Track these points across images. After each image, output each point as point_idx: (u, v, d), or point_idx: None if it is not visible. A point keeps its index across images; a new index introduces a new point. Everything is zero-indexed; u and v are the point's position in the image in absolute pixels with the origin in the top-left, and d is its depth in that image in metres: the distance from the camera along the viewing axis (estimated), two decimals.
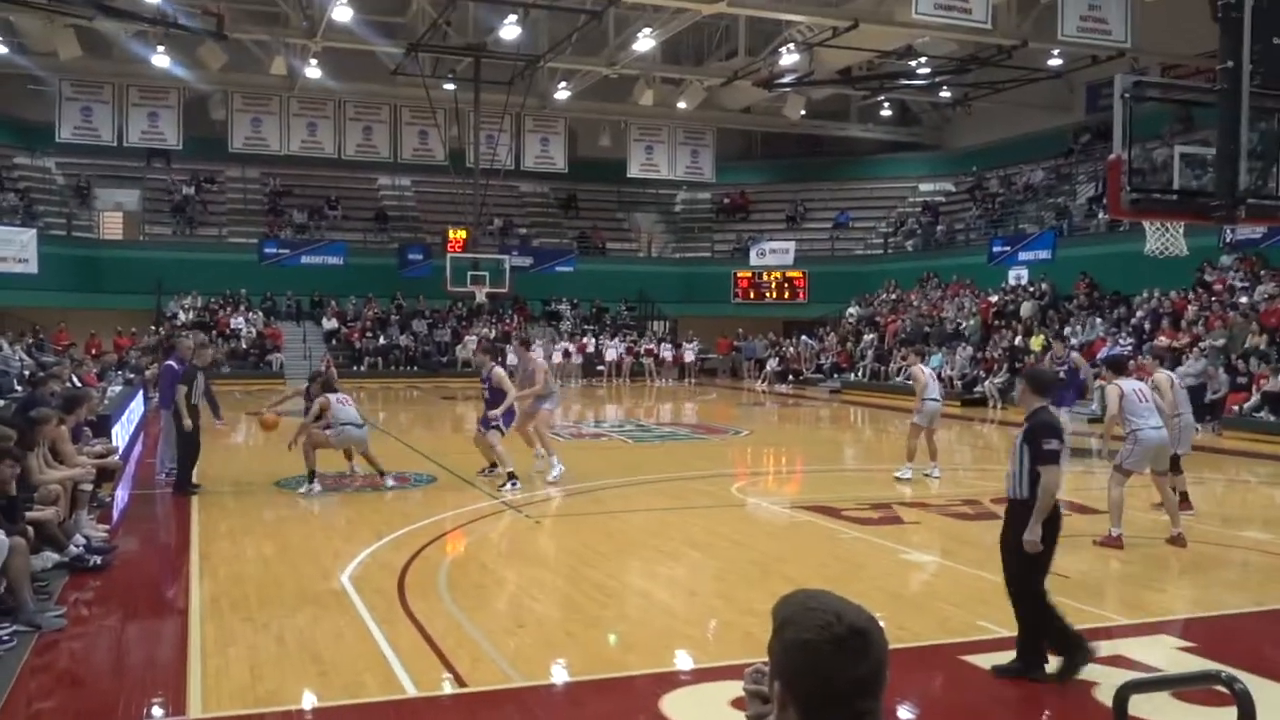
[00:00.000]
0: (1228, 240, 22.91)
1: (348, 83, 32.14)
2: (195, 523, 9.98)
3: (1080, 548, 8.99)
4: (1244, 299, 21.57)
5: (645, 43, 27.61)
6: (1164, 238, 8.69)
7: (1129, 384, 9.33)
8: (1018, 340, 25.88)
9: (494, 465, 12.51)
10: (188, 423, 11.35)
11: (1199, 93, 8.98)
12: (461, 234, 32.70)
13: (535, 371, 12.70)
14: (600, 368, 32.66)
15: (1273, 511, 12.26)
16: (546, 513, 10.80)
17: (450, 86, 32.19)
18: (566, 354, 32.18)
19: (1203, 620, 7.08)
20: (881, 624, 1.84)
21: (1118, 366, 9.75)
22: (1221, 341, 20.07)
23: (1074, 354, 16.01)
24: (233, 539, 9.35)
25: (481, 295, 32.13)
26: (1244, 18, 7.69)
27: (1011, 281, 29.73)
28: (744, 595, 7.59)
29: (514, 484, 11.70)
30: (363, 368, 31.88)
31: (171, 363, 12.56)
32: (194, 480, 11.58)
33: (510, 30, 26.88)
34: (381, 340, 33.00)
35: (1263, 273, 22.29)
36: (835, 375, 31.09)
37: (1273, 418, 17.63)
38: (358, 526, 9.91)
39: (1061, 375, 13.99)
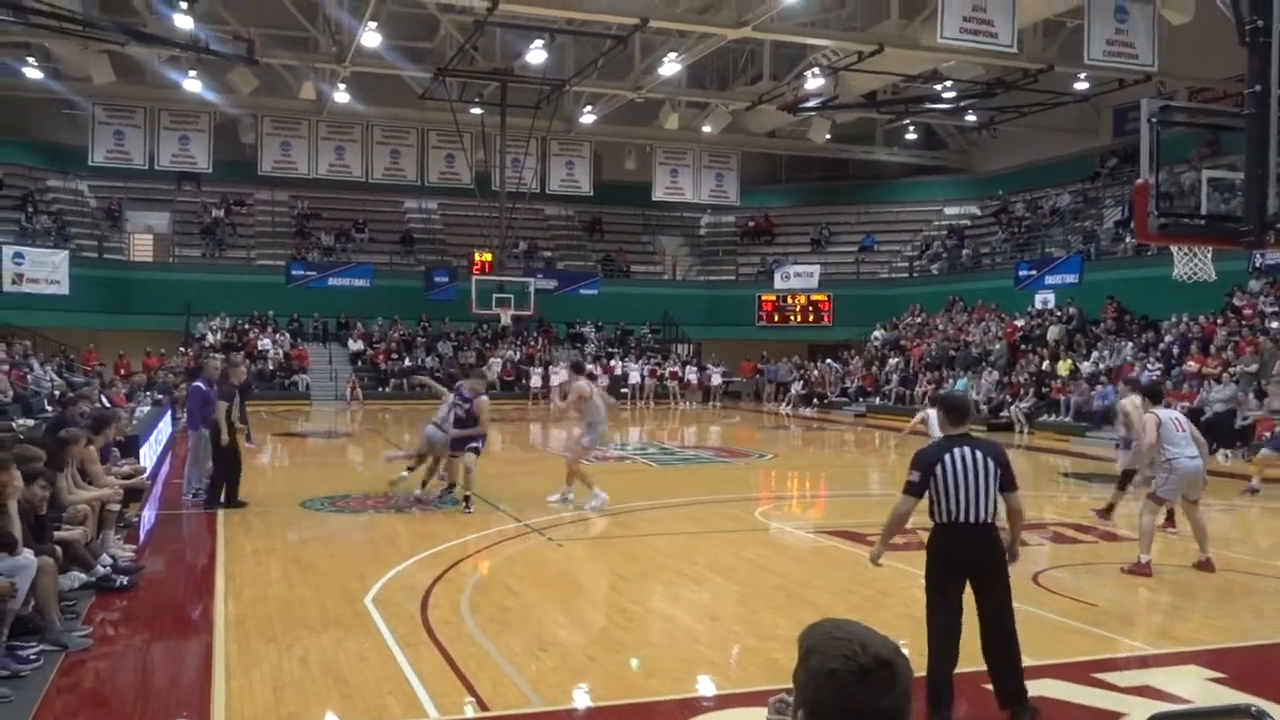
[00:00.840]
0: (1257, 265, 22.72)
1: (375, 107, 32.46)
2: (221, 543, 10.04)
3: (1108, 575, 8.92)
4: (1274, 324, 21.34)
5: (670, 67, 27.77)
6: (1192, 263, 8.63)
7: (1166, 413, 9.31)
8: (1045, 365, 25.71)
9: (453, 485, 12.48)
10: (225, 438, 11.70)
11: (1227, 117, 8.94)
12: (487, 256, 32.91)
13: (579, 399, 12.48)
14: (624, 390, 32.64)
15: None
16: (570, 536, 10.79)
17: (477, 110, 32.48)
18: (591, 376, 32.16)
19: (1233, 650, 6.98)
20: (906, 654, 1.83)
21: (1155, 395, 9.73)
22: (1254, 367, 19.86)
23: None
24: (258, 559, 9.40)
25: (506, 318, 32.29)
26: (1272, 42, 7.66)
27: (1038, 305, 29.54)
28: (768, 621, 7.55)
29: (469, 507, 11.74)
30: (387, 389, 32.04)
31: (200, 384, 12.67)
32: (239, 497, 11.83)
33: (537, 55, 27.08)
34: (407, 362, 33.16)
35: None
36: (860, 399, 30.97)
37: None
38: (382, 548, 9.94)
39: None
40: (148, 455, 13.39)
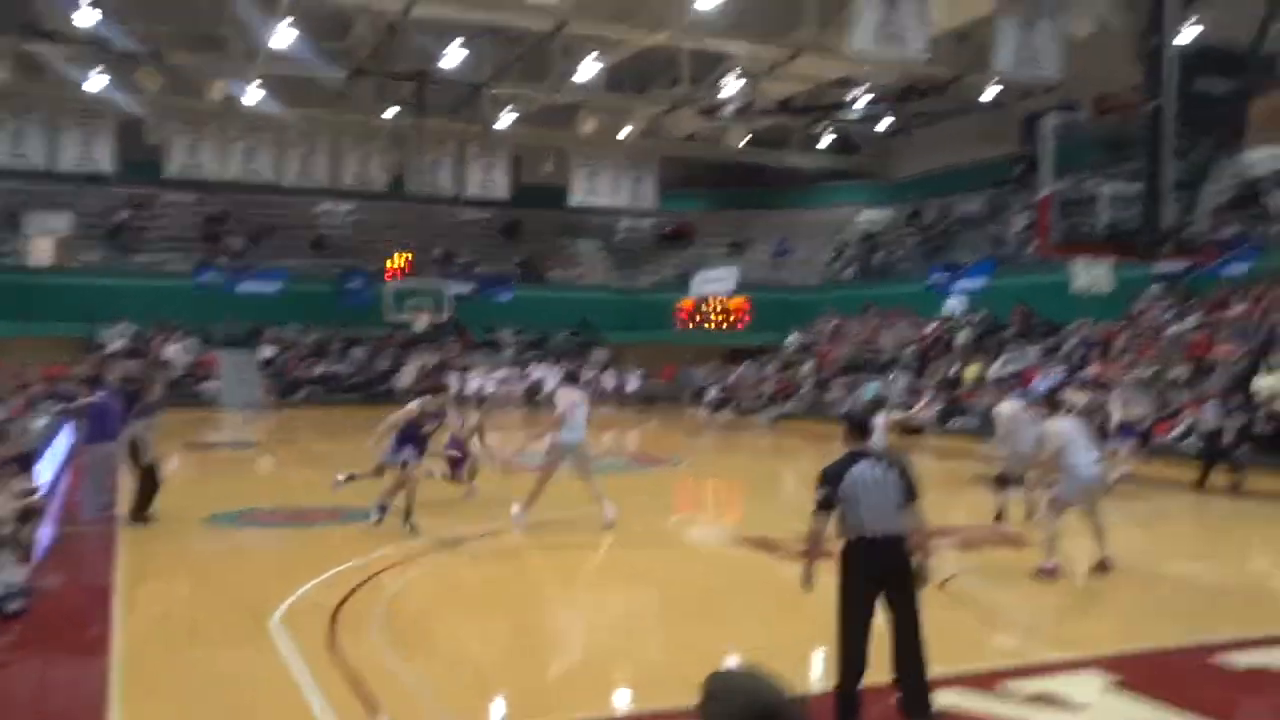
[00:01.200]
0: (1158, 272, 23.42)
1: (288, 107, 31.80)
2: (121, 562, 9.71)
3: (1010, 582, 9.08)
4: (1172, 329, 22.04)
5: (589, 71, 27.72)
6: (1091, 273, 8.86)
7: (1067, 423, 9.57)
8: (954, 369, 26.20)
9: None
10: (147, 457, 11.60)
11: (1125, 132, 9.18)
12: (402, 261, 32.50)
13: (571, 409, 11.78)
14: (539, 397, 32.47)
15: (1198, 543, 12.47)
16: (483, 550, 10.67)
17: (393, 112, 32.05)
18: (507, 381, 31.99)
19: (1132, 655, 7.15)
20: (800, 702, 1.83)
21: (1056, 405, 10.07)
22: (1150, 372, 20.46)
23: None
24: (160, 579, 9.13)
25: (421, 323, 31.91)
26: (1167, 62, 7.88)
27: (949, 310, 30.13)
28: (682, 633, 7.55)
29: (380, 517, 11.41)
30: (299, 396, 31.47)
31: (101, 395, 12.24)
32: (148, 514, 11.51)
33: (454, 57, 26.82)
34: (320, 368, 32.61)
35: (1189, 303, 22.80)
36: (776, 403, 31.24)
37: (1200, 445, 17.95)
38: (291, 564, 9.72)
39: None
40: (44, 471, 12.91)
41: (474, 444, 14.25)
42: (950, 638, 7.41)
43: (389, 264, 33.54)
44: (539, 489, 11.57)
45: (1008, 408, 11.05)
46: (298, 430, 25.67)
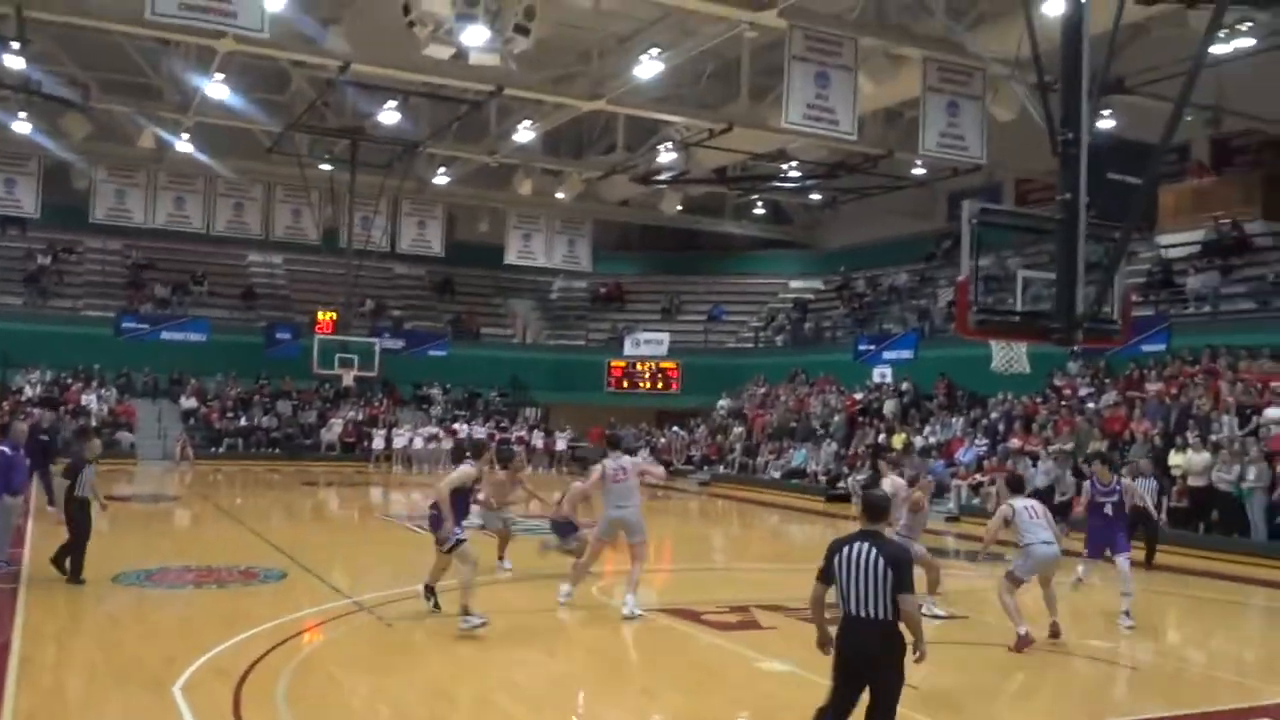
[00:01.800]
0: (1076, 349, 24.05)
1: (220, 158, 31.54)
2: (19, 624, 9.35)
3: (936, 656, 9.11)
4: (1090, 405, 22.59)
5: (525, 134, 27.93)
6: (1008, 354, 9.09)
7: (1020, 502, 10.05)
8: (880, 437, 26.53)
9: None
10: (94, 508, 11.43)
11: (1041, 220, 9.47)
12: (331, 315, 32.21)
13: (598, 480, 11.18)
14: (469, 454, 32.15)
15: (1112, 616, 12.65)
16: (403, 615, 10.45)
17: (326, 166, 31.94)
18: (435, 438, 31.63)
19: None
20: None
21: (1016, 485, 10.65)
22: (1069, 446, 20.92)
23: (1125, 480, 12.54)
24: (59, 642, 8.80)
25: (349, 378, 31.55)
26: (1080, 154, 8.18)
27: (876, 379, 30.57)
28: (594, 707, 7.46)
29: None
30: (221, 449, 30.83)
31: (4, 447, 11.80)
32: (66, 568, 11.12)
33: (390, 115, 26.86)
34: (243, 421, 32.00)
35: (1107, 380, 23.43)
36: (705, 467, 31.32)
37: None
38: (198, 628, 9.43)
39: (1108, 509, 11.47)
40: None
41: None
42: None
43: (319, 317, 33.15)
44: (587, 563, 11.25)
45: (888, 483, 11.07)
46: (217, 484, 25.09)
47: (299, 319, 34.72)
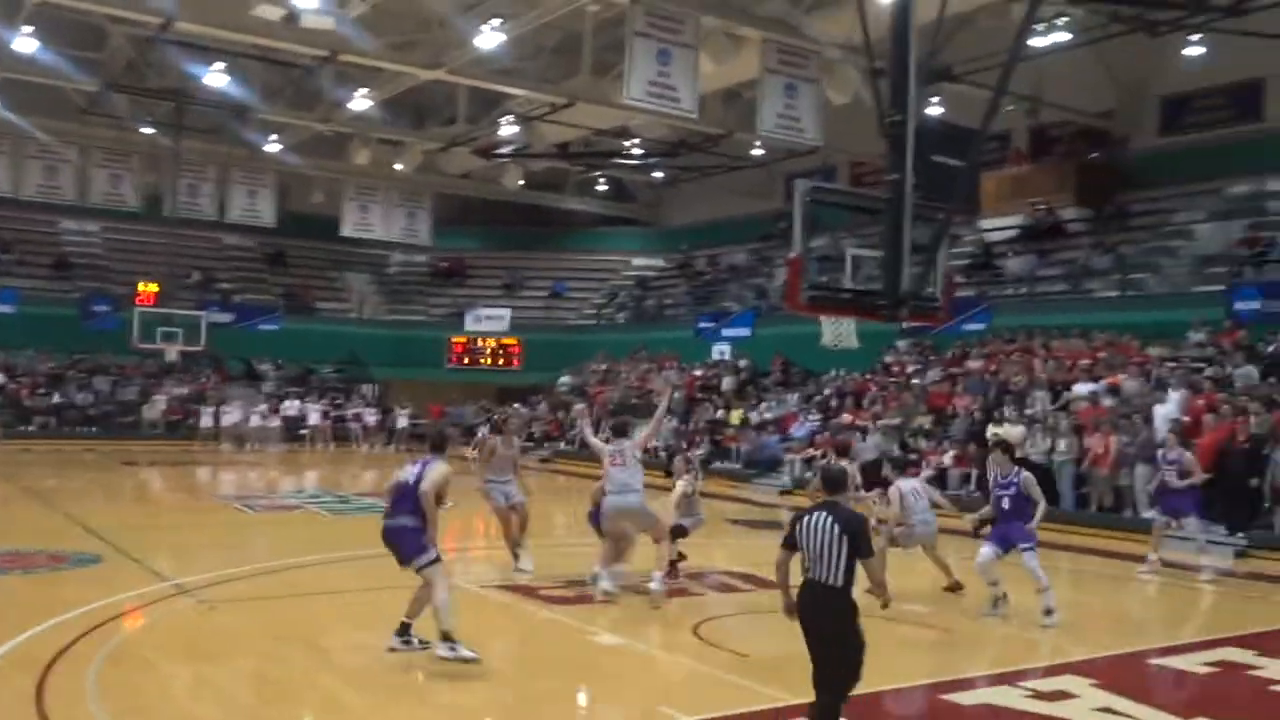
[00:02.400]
0: (904, 326, 24.97)
1: (29, 117, 29.54)
2: None
3: (764, 624, 9.31)
4: (916, 381, 23.51)
5: (362, 102, 27.15)
6: (837, 330, 9.34)
7: (907, 484, 11.16)
8: (718, 413, 27.00)
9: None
10: None
11: (871, 200, 9.74)
12: (153, 287, 30.72)
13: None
14: (303, 432, 31.26)
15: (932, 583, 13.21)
16: (225, 597, 10.05)
17: (149, 130, 30.34)
18: (263, 416, 30.56)
19: (867, 696, 7.44)
20: None
21: (900, 465, 11.71)
22: (897, 420, 21.72)
23: (1186, 454, 13.05)
24: None
25: (173, 353, 30.15)
26: (907, 136, 8.43)
27: (715, 356, 31.08)
28: (426, 686, 7.34)
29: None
30: (32, 427, 29.04)
31: None
32: None
33: (217, 78, 25.67)
34: (56, 398, 30.21)
35: (932, 357, 24.42)
36: (546, 444, 31.25)
37: (939, 491, 19.17)
38: (3, 614, 8.84)
39: (1182, 483, 12.66)
40: None
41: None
42: (701, 682, 7.55)
43: (140, 288, 31.56)
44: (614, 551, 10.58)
45: (906, 485, 11.34)
46: (26, 465, 23.61)
47: (118, 290, 32.98)
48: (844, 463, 11.13)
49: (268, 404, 31.42)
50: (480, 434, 11.19)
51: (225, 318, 33.49)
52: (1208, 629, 10.56)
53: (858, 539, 5.84)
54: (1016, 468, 10.55)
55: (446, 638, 7.57)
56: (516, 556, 11.77)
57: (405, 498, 7.92)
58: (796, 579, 6.03)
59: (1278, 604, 11.97)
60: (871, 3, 12.45)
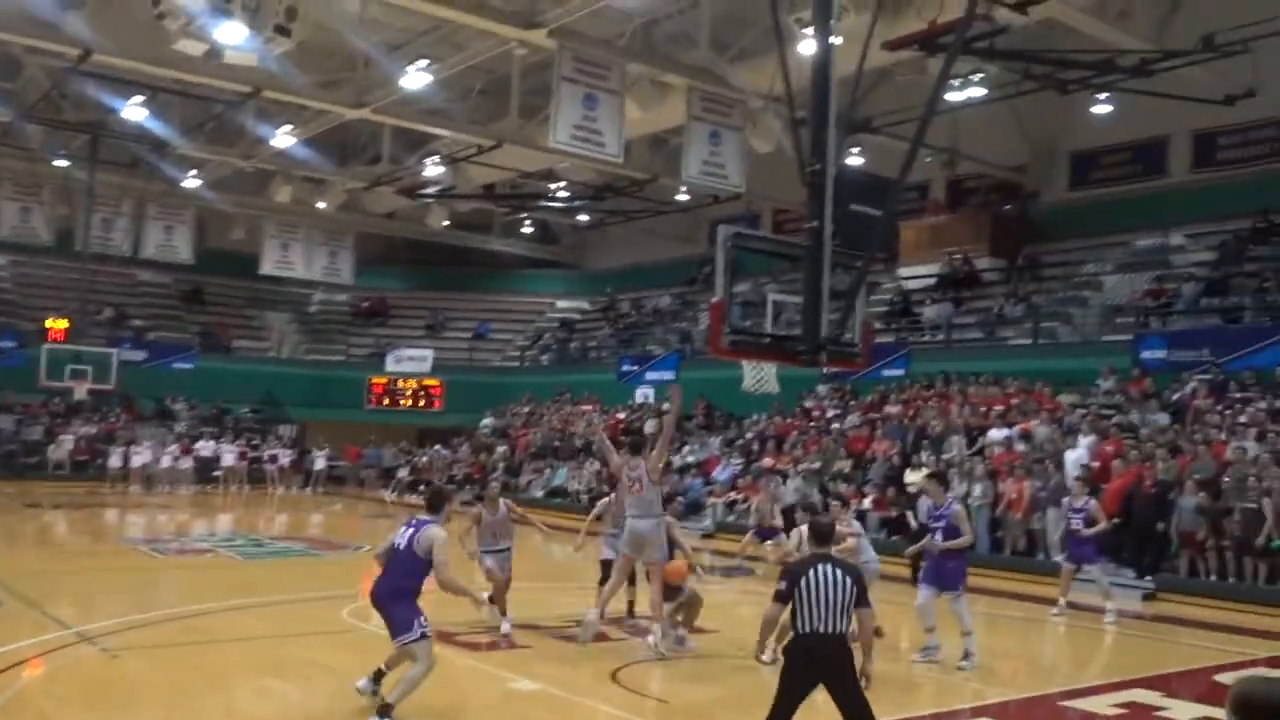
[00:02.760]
0: (825, 371, 25.30)
1: None
2: None
3: (681, 669, 9.28)
4: (836, 425, 23.78)
5: (286, 139, 26.87)
6: (758, 374, 9.42)
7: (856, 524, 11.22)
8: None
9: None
10: None
11: (792, 247, 9.89)
12: (63, 323, 29.88)
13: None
14: (216, 474, 30.51)
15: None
16: (130, 645, 9.72)
17: (63, 162, 29.66)
18: (174, 457, 29.78)
19: None
20: None
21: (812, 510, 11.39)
22: (817, 465, 21.92)
23: (1092, 501, 13.32)
24: None
25: (82, 391, 29.28)
26: (826, 184, 8.59)
27: (638, 399, 31.13)
28: None
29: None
30: None
31: None
32: None
33: (135, 111, 25.22)
34: None
35: (852, 402, 24.75)
36: (467, 487, 30.87)
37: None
38: None
39: (1088, 531, 12.95)
40: None
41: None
42: None
43: (49, 325, 30.66)
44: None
45: (857, 527, 11.48)
46: None
47: (25, 326, 32.01)
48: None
49: (180, 445, 30.65)
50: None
51: (138, 355, 32.69)
52: (1117, 671, 10.77)
53: (863, 589, 6.06)
54: (950, 498, 10.63)
55: (385, 712, 7.17)
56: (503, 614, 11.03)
57: (395, 563, 7.56)
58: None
59: (1185, 645, 12.27)
60: (793, 54, 12.70)
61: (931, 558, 10.35)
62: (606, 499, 11.92)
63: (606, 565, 11.19)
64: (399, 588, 7.47)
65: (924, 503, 10.68)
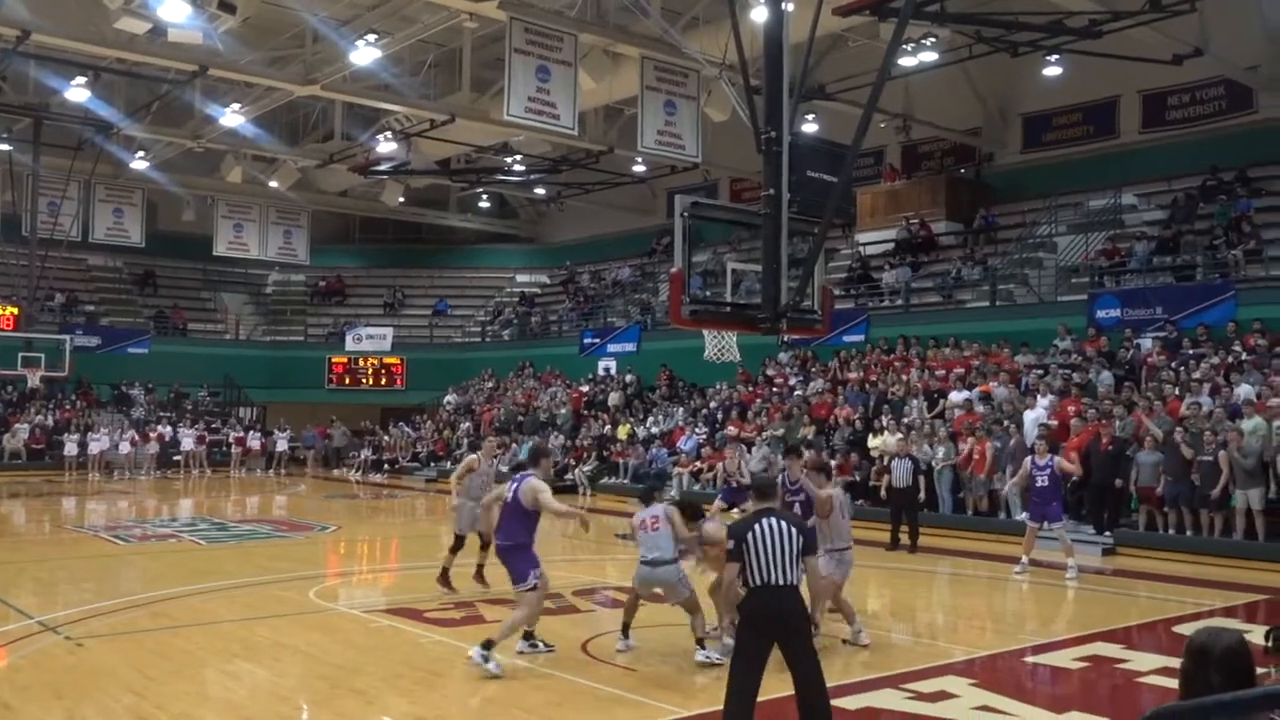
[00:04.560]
0: (785, 340, 25.38)
1: None
2: None
3: (650, 640, 9.31)
4: (798, 392, 23.90)
5: (234, 118, 26.44)
6: (720, 343, 9.44)
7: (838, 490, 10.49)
8: (606, 429, 27.02)
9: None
10: None
11: (748, 215, 9.89)
12: (12, 310, 29.36)
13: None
14: (177, 458, 30.21)
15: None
16: (94, 633, 9.62)
17: (5, 146, 29.05)
18: (132, 443, 29.45)
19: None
20: None
21: (825, 470, 10.24)
22: (781, 431, 22.03)
23: (1056, 457, 13.62)
24: None
25: (35, 378, 28.83)
26: (782, 152, 8.59)
27: (600, 372, 31.12)
28: (312, 716, 7.13)
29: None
30: None
31: None
32: None
33: (79, 92, 24.71)
34: None
35: (814, 369, 24.88)
36: (432, 464, 30.82)
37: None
38: None
39: (1042, 483, 13.37)
40: None
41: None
42: (590, 701, 7.51)
43: None
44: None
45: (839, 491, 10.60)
46: None
47: None
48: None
49: (138, 430, 30.29)
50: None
51: (91, 341, 32.22)
52: (1079, 625, 10.97)
53: (808, 537, 6.16)
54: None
55: (488, 645, 8.03)
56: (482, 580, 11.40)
57: (509, 517, 8.38)
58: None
59: (1144, 598, 12.52)
60: (746, 22, 12.66)
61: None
62: (473, 456, 11.77)
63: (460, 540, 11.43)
64: (512, 539, 8.34)
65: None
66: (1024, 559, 13.57)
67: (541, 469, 8.58)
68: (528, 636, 8.77)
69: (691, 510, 9.26)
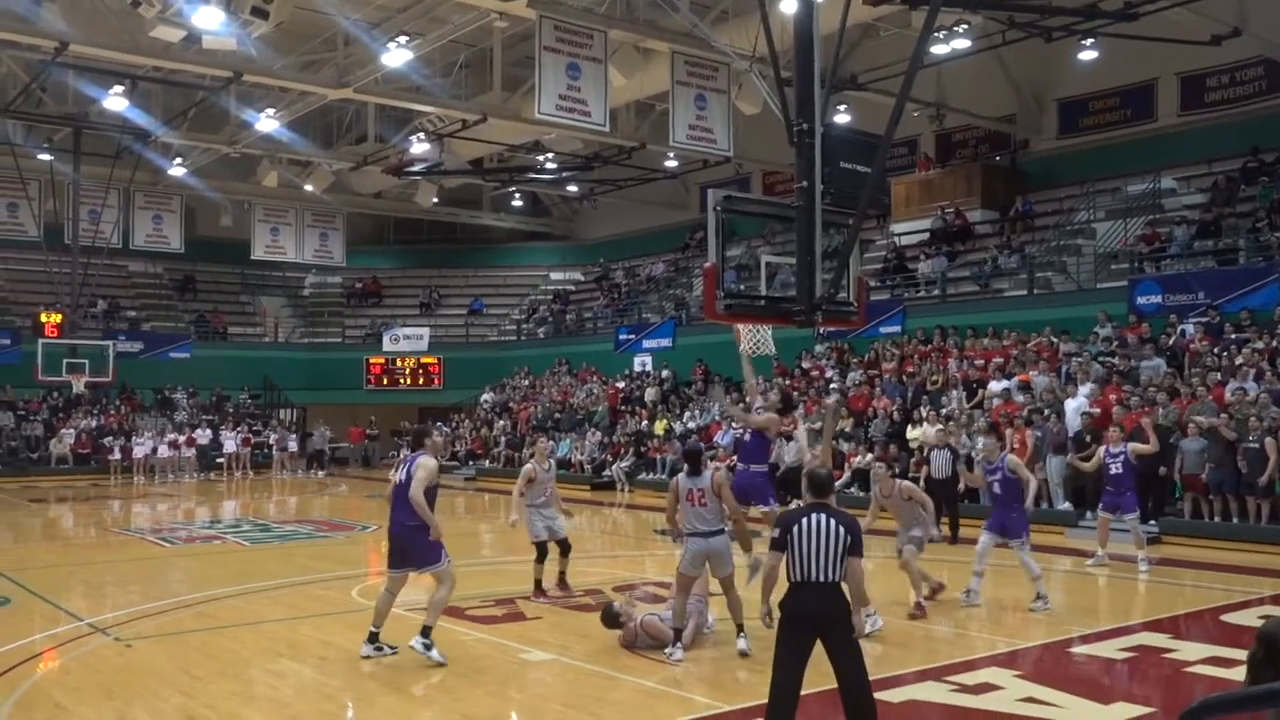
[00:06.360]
0: (821, 332, 25.27)
1: None
2: None
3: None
4: (835, 384, 23.79)
5: (270, 123, 26.69)
6: (755, 337, 9.41)
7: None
8: (643, 424, 27.03)
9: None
10: None
11: (781, 208, 9.85)
12: (56, 317, 29.83)
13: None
14: (219, 460, 30.58)
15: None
16: (141, 633, 9.77)
17: (46, 156, 29.50)
18: (175, 445, 29.83)
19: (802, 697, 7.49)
20: None
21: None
22: (819, 424, 21.92)
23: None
24: None
25: (80, 384, 29.29)
26: (815, 144, 8.55)
27: (636, 368, 31.13)
28: (359, 714, 7.20)
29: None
30: None
31: None
32: None
33: (116, 101, 25.04)
34: None
35: (852, 361, 24.75)
36: (470, 462, 30.99)
37: (862, 493, 19.43)
38: None
39: (1116, 470, 13.01)
40: None
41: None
42: (632, 695, 7.52)
43: (42, 319, 30.60)
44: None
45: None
46: None
47: (19, 323, 31.97)
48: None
49: (181, 433, 30.70)
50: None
51: (134, 347, 32.65)
52: (1124, 615, 10.85)
53: (857, 537, 6.00)
54: (1003, 452, 10.96)
55: (426, 633, 8.26)
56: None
57: (402, 500, 8.40)
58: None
59: (1189, 588, 12.36)
60: (775, 14, 12.61)
61: (997, 508, 10.84)
62: (529, 465, 11.27)
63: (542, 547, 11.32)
64: (412, 520, 8.41)
65: (978, 455, 10.68)
66: (1100, 551, 13.26)
67: (429, 448, 8.81)
68: (372, 639, 8.61)
69: (786, 401, 10.12)
